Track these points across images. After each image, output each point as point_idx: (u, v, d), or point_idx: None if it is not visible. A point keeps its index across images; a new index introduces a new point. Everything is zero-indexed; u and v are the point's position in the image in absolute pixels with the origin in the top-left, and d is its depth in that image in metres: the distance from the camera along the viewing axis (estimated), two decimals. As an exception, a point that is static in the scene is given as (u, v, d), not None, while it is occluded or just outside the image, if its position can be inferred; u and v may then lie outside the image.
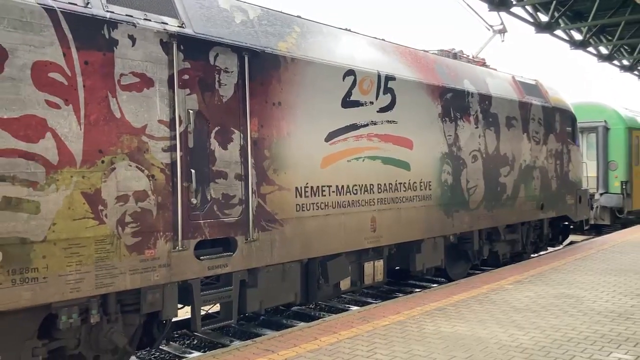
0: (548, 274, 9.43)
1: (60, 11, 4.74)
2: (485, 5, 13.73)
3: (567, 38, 16.76)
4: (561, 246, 13.85)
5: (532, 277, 9.16)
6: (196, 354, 6.83)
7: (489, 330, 6.12)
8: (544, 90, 12.24)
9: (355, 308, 8.28)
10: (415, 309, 7.10)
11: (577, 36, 17.14)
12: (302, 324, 7.02)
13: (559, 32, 15.92)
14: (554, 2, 13.25)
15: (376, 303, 7.95)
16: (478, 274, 10.15)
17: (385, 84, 7.84)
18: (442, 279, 10.63)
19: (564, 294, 7.87)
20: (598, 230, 17.85)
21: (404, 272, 9.98)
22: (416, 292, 9.34)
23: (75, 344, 5.14)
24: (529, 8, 14.44)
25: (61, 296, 4.69)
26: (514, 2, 12.88)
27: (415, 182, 8.33)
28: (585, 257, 11.21)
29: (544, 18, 14.87)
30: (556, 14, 14.14)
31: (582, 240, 15.01)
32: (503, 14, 13.70)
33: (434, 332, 6.08)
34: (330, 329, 6.29)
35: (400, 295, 9.58)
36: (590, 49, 17.44)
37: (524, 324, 6.36)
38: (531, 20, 14.99)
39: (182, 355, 7.00)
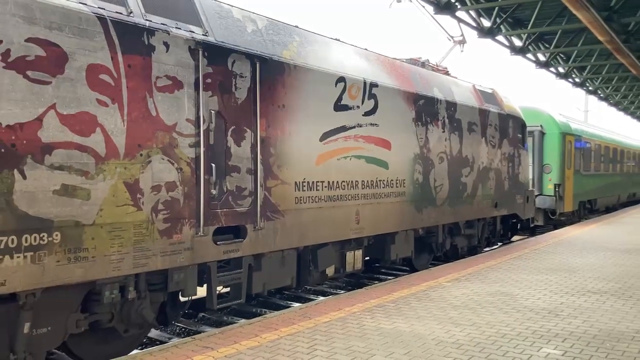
0: (484, 272, 9.69)
1: (110, 19, 5.31)
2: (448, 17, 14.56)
3: (507, 44, 17.22)
4: (499, 245, 14.94)
5: (469, 275, 9.42)
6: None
7: (427, 327, 6.26)
8: (500, 98, 13.43)
9: (296, 305, 8.32)
10: (356, 306, 7.20)
11: (518, 42, 17.65)
12: (243, 320, 6.97)
13: (500, 37, 16.26)
14: (496, 8, 13.76)
15: (317, 299, 8.07)
16: (439, 264, 11.15)
17: (369, 90, 8.69)
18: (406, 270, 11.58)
19: (499, 291, 8.13)
20: (532, 230, 18.25)
21: (374, 262, 10.86)
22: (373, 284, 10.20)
23: (110, 318, 5.72)
24: (472, 13, 14.72)
25: (105, 274, 5.27)
26: (459, 7, 13.33)
27: (392, 180, 9.23)
28: (520, 256, 11.61)
29: (486, 23, 15.22)
30: (498, 20, 14.42)
31: (517, 240, 15.57)
32: (448, 17, 14.37)
33: (374, 329, 6.17)
34: (271, 325, 6.28)
35: (377, 282, 10.42)
36: (529, 55, 18.01)
37: (461, 321, 6.53)
38: (474, 25, 15.34)
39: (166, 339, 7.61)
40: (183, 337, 7.17)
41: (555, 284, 8.68)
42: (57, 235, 4.87)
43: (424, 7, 13.95)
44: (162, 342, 7.19)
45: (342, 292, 9.93)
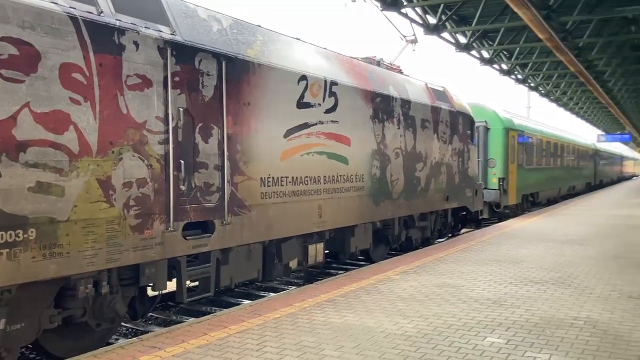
0: (432, 264, 9.86)
1: (81, 19, 5.38)
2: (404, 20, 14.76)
3: (453, 41, 17.48)
4: (444, 239, 15.48)
5: (417, 267, 9.57)
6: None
7: (376, 320, 6.33)
8: (450, 96, 13.98)
9: (246, 302, 8.33)
10: (306, 301, 7.21)
11: (462, 39, 17.94)
12: (192, 319, 6.93)
13: (446, 34, 16.55)
14: (442, 5, 14.10)
15: (267, 296, 8.09)
16: (396, 256, 11.56)
17: (330, 88, 8.97)
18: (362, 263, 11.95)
19: (445, 283, 8.29)
20: (477, 223, 18.52)
21: (335, 254, 11.14)
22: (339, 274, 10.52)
23: (82, 313, 5.80)
24: (418, 10, 14.91)
25: (79, 269, 5.36)
26: (405, 3, 13.58)
27: (352, 175, 9.55)
28: (466, 248, 11.79)
29: (432, 20, 15.40)
30: (443, 17, 14.73)
31: (463, 233, 15.83)
32: (401, 18, 14.72)
33: (324, 323, 6.20)
34: (221, 323, 6.22)
35: (341, 272, 10.72)
36: (474, 52, 18.52)
37: (409, 313, 6.64)
38: (421, 22, 15.57)
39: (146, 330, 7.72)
40: (130, 338, 7.08)
41: (499, 274, 8.95)
42: (32, 231, 4.93)
43: (377, 6, 14.30)
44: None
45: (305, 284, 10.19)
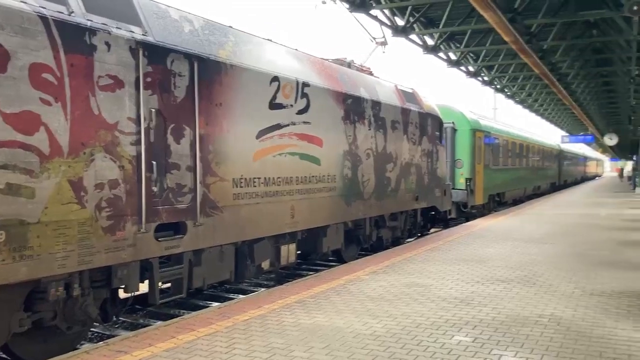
0: (401, 264, 9.90)
1: (52, 19, 5.32)
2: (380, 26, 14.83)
3: (421, 43, 17.65)
4: (414, 239, 15.68)
5: (386, 267, 9.61)
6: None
7: (346, 320, 6.37)
8: (419, 98, 14.18)
9: (215, 304, 8.26)
10: (276, 302, 7.19)
11: (430, 41, 18.08)
12: (159, 322, 6.80)
13: (414, 36, 16.80)
14: (409, 7, 14.27)
15: (236, 298, 7.95)
16: (367, 256, 11.68)
17: (302, 89, 9.03)
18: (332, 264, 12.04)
19: (414, 282, 8.35)
20: (445, 223, 18.77)
21: (307, 255, 11.21)
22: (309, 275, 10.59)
23: (52, 316, 5.73)
24: (387, 12, 14.98)
25: (50, 271, 5.29)
26: (373, 5, 13.70)
27: (324, 176, 9.62)
28: (434, 248, 11.91)
29: (400, 22, 15.50)
30: (411, 19, 15.00)
31: (432, 233, 15.97)
32: (362, 15, 14.82)
33: (294, 325, 6.20)
34: (189, 326, 6.17)
35: (312, 273, 10.78)
36: (441, 54, 18.81)
37: (378, 313, 6.67)
38: (389, 23, 15.64)
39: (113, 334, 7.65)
40: (95, 342, 6.97)
41: (467, 273, 9.04)
42: (1, 234, 4.86)
43: (346, 8, 14.35)
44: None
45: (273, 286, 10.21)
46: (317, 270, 11.38)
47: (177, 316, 7.88)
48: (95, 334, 7.58)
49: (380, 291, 7.82)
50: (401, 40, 14.98)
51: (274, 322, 6.33)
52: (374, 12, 14.69)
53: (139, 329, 6.39)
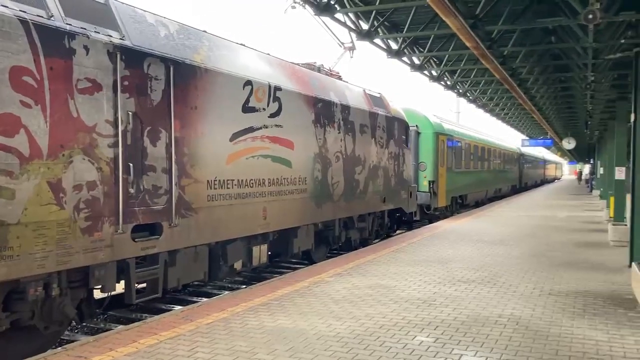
0: (365, 266, 9.99)
1: (32, 23, 5.41)
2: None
3: (385, 47, 18.45)
4: (377, 240, 15.95)
5: (350, 269, 9.70)
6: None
7: (310, 322, 6.37)
8: (387, 102, 14.53)
9: (178, 308, 8.13)
10: (239, 305, 7.14)
11: (394, 46, 18.90)
12: (120, 326, 6.74)
13: (378, 40, 17.22)
14: (374, 12, 14.54)
15: (200, 301, 7.92)
16: (336, 256, 11.91)
17: (274, 93, 9.23)
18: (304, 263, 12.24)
19: (378, 284, 8.42)
20: (409, 225, 18.93)
21: (277, 255, 11.37)
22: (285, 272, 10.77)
23: (30, 316, 5.79)
24: (351, 16, 14.90)
25: (30, 272, 5.37)
26: (338, 8, 13.90)
27: (295, 178, 9.84)
28: (398, 249, 11.98)
29: (365, 26, 15.40)
30: (376, 23, 15.42)
31: (396, 234, 16.03)
32: (330, 20, 14.99)
33: (258, 327, 6.18)
34: (151, 330, 6.08)
35: (276, 275, 10.93)
36: (405, 58, 19.15)
37: (342, 314, 6.72)
38: (353, 27, 15.78)
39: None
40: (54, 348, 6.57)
41: (429, 275, 9.18)
42: (-18, 235, 4.93)
43: (310, 11, 14.41)
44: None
45: (244, 287, 10.34)
46: (281, 273, 11.53)
47: (139, 320, 7.57)
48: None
49: (344, 293, 7.88)
50: (367, 44, 15.14)
51: (238, 325, 6.29)
52: (339, 16, 14.89)
53: (99, 334, 6.28)
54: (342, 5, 12.75)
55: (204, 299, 8.60)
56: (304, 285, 8.43)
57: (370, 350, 5.45)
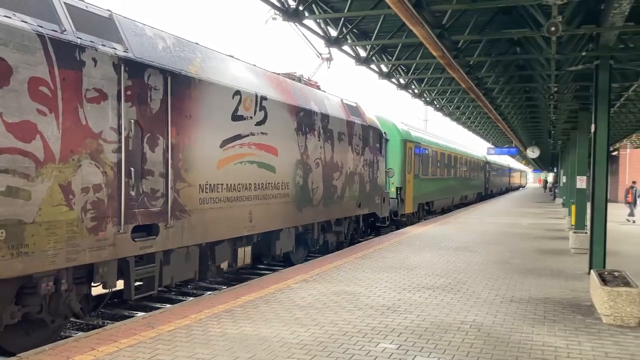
0: (331, 272, 9.99)
1: (48, 37, 5.85)
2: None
3: (353, 54, 18.79)
4: (361, 240, 16.57)
5: (317, 275, 9.68)
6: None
7: (273, 329, 6.34)
8: (362, 111, 15.19)
9: (140, 314, 8.09)
10: (202, 312, 7.10)
11: (363, 53, 19.24)
12: (80, 333, 6.52)
13: (346, 47, 17.63)
14: (342, 19, 14.93)
15: (163, 308, 7.77)
16: (312, 259, 12.46)
17: (260, 102, 9.76)
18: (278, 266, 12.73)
19: (343, 290, 8.43)
20: (377, 231, 19.08)
21: (259, 257, 11.86)
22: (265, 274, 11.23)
23: (39, 310, 6.19)
24: (320, 22, 14.79)
25: (42, 268, 5.79)
26: (307, 15, 14.24)
27: (278, 183, 10.38)
28: (365, 255, 12.08)
29: (333, 33, 15.30)
30: (344, 30, 15.87)
31: (362, 241, 16.11)
32: (305, 30, 15.26)
33: (220, 334, 6.13)
34: (111, 337, 5.99)
35: (255, 277, 11.39)
36: (373, 66, 19.49)
37: (306, 321, 6.70)
38: (322, 34, 15.36)
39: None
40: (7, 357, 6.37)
41: (394, 281, 9.22)
42: (2, 232, 5.34)
43: (278, 16, 14.37)
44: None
45: (224, 287, 10.79)
46: (254, 276, 12.00)
47: (100, 327, 7.51)
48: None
49: (310, 300, 7.87)
50: (334, 51, 15.42)
51: (200, 332, 6.24)
52: (308, 22, 15.16)
53: (56, 342, 6.14)
54: (311, 12, 13.15)
55: (167, 305, 8.57)
56: (269, 291, 8.40)
57: (334, 357, 5.46)
